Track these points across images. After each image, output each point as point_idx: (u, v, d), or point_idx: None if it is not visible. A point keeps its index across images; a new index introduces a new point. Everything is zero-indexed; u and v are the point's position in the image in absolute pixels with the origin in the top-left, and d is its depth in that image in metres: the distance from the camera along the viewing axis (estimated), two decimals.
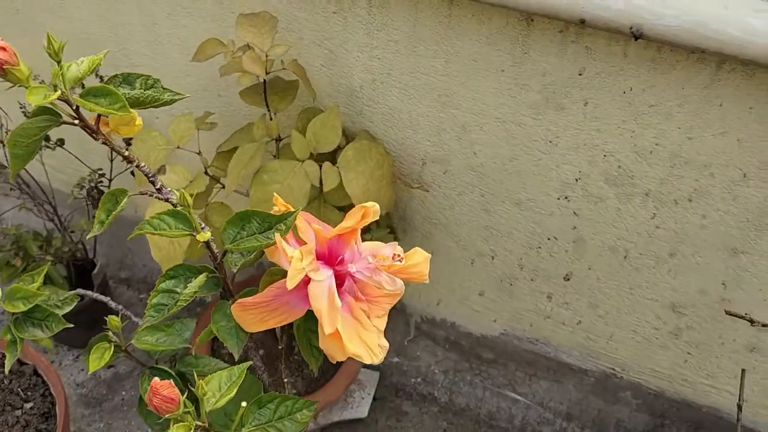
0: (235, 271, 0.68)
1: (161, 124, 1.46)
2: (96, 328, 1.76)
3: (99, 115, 0.66)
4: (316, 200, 1.19)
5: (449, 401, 1.71)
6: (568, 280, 1.34)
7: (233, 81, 1.27)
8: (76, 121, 0.64)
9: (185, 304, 0.63)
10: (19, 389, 1.42)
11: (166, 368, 0.98)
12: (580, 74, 1.04)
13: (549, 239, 1.28)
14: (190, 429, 0.59)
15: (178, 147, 1.21)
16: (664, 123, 1.04)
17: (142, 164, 0.68)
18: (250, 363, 0.66)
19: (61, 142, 1.45)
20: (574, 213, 1.22)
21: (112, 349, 0.95)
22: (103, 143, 0.64)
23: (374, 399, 1.71)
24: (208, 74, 1.33)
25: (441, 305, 1.56)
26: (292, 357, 1.56)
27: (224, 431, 0.62)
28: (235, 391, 0.62)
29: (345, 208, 1.20)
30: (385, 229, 1.31)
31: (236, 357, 0.65)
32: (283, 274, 0.69)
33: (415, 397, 1.73)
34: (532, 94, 1.08)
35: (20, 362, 1.47)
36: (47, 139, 1.43)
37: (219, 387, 0.63)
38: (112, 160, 1.51)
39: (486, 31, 1.04)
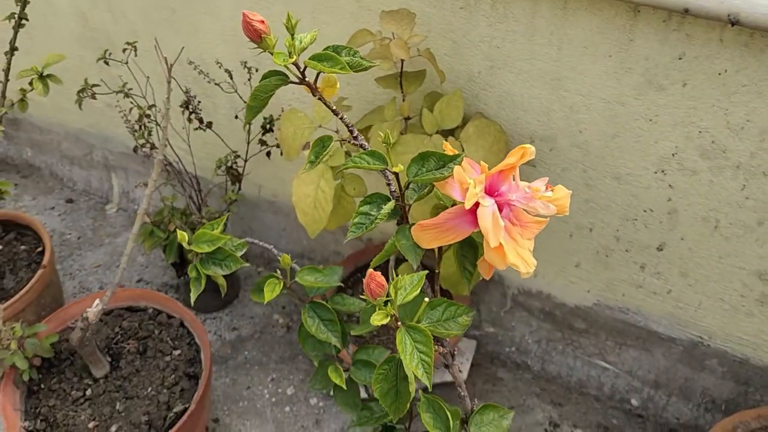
0: (410, 203, 0.86)
1: (302, 106, 1.67)
2: (222, 295, 1.99)
3: (315, 79, 0.85)
4: None
5: (542, 369, 1.86)
6: (661, 250, 1.47)
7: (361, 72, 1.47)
8: (303, 80, 0.82)
9: (379, 224, 0.81)
10: (168, 339, 1.64)
11: (323, 302, 1.17)
12: (680, 58, 1.18)
13: (645, 211, 1.42)
14: (387, 316, 0.77)
15: (320, 126, 1.40)
16: (755, 101, 1.18)
17: (344, 116, 0.86)
18: (427, 272, 0.83)
19: (209, 125, 1.67)
20: (670, 186, 1.36)
21: (281, 284, 1.15)
22: (319, 99, 0.83)
23: (471, 365, 1.87)
24: None
25: (538, 277, 1.72)
26: None
27: (407, 321, 0.80)
28: (419, 290, 0.79)
29: None
30: None
31: (415, 267, 0.83)
32: (444, 207, 0.86)
33: (509, 364, 1.89)
34: (635, 76, 1.24)
35: (168, 315, 1.69)
36: (201, 121, 1.65)
37: (405, 288, 0.80)
38: (248, 143, 1.73)
39: (597, 20, 1.20)
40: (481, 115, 1.43)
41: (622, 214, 1.46)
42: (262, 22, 0.76)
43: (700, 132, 1.26)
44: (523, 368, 1.87)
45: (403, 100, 1.33)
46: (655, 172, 1.35)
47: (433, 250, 0.95)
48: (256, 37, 0.78)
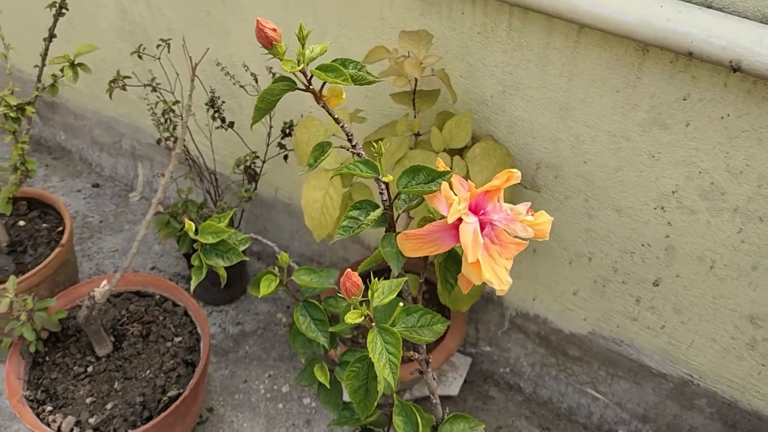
0: (399, 212, 0.90)
1: (320, 114, 1.72)
2: (229, 290, 2.05)
3: (321, 88, 0.90)
4: None
5: (533, 392, 1.88)
6: (657, 285, 1.50)
7: (379, 86, 1.52)
8: (309, 87, 0.87)
9: (365, 229, 0.85)
10: (171, 325, 1.70)
11: (315, 302, 1.22)
12: (684, 99, 1.22)
13: (643, 245, 1.45)
14: (362, 316, 0.81)
15: (334, 135, 1.45)
16: (755, 147, 1.20)
17: (345, 125, 0.91)
18: (405, 279, 0.87)
19: (231, 125, 1.73)
20: (668, 223, 1.38)
21: (277, 281, 1.20)
22: (322, 107, 0.88)
23: (465, 381, 1.90)
24: None
25: (536, 301, 1.75)
26: None
27: (382, 323, 0.84)
28: (396, 294, 0.83)
29: None
30: None
31: (395, 273, 0.87)
32: (432, 220, 0.91)
33: (502, 385, 1.91)
34: (640, 113, 1.27)
35: (174, 303, 1.75)
36: (223, 120, 1.71)
37: (383, 291, 0.84)
38: (268, 145, 1.78)
39: (607, 56, 1.24)
40: (491, 137, 1.47)
41: (621, 246, 1.49)
42: (275, 30, 0.82)
43: (700, 172, 1.28)
44: (515, 390, 1.90)
45: (415, 117, 1.38)
46: (655, 208, 1.38)
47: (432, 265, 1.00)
48: (267, 43, 0.83)
